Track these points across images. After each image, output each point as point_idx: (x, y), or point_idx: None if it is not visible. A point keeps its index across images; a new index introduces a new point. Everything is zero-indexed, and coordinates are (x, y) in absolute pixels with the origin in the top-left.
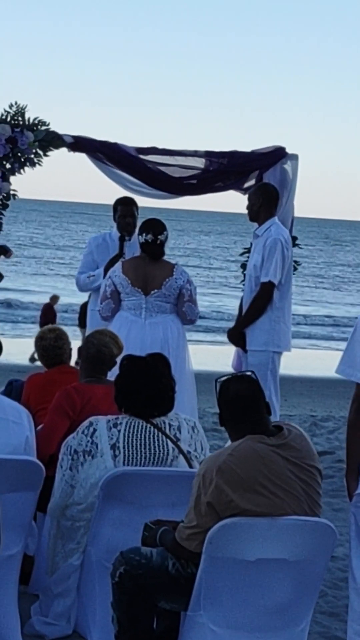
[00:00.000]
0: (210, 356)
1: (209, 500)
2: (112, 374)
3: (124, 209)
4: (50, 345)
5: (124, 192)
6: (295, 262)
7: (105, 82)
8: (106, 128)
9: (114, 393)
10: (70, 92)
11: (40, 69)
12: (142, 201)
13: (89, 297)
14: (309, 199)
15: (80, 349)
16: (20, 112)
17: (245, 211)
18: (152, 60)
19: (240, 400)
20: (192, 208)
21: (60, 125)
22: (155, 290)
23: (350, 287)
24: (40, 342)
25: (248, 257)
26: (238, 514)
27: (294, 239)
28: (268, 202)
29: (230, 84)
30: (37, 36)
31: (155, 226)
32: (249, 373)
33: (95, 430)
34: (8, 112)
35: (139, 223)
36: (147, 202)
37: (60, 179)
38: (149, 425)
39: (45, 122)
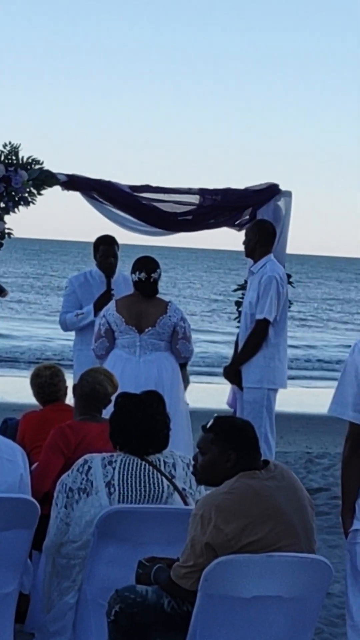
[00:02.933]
0: (206, 393)
1: (207, 541)
2: (107, 412)
3: (106, 249)
4: (46, 383)
5: (108, 230)
6: (289, 301)
7: (98, 121)
8: (99, 167)
9: (109, 430)
10: (64, 130)
11: (34, 107)
12: (133, 239)
13: (75, 337)
14: (303, 235)
15: (74, 387)
16: (14, 151)
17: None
18: (145, 98)
19: (244, 431)
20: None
21: (54, 164)
22: (150, 328)
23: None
24: (36, 379)
25: (243, 294)
26: (237, 552)
27: (288, 276)
28: (264, 238)
29: (223, 122)
30: (30, 76)
31: (148, 264)
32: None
33: (90, 467)
34: (2, 151)
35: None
36: (135, 240)
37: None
38: (144, 462)
39: (39, 161)
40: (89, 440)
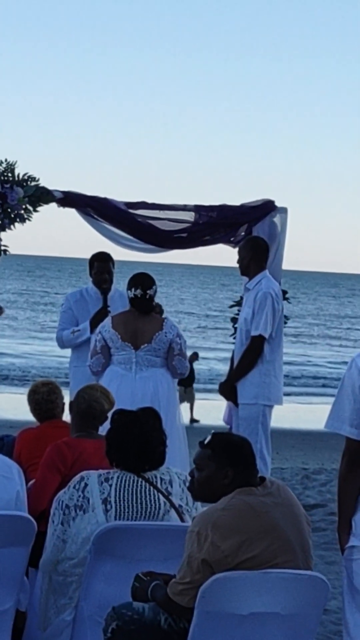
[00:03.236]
0: (202, 410)
1: (204, 558)
2: (104, 429)
3: (101, 265)
4: (43, 399)
5: (103, 247)
6: (285, 317)
7: (95, 138)
8: (96, 184)
9: (106, 447)
10: (60, 147)
11: (31, 124)
12: (129, 255)
13: (71, 354)
14: (298, 251)
15: (71, 404)
16: (10, 168)
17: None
18: (141, 114)
19: (242, 447)
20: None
21: (50, 181)
22: (145, 345)
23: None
24: (33, 395)
25: (239, 310)
26: (233, 568)
27: (284, 292)
28: (258, 255)
29: (218, 138)
30: (26, 93)
31: (144, 281)
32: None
33: (86, 484)
34: None
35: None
36: (130, 256)
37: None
38: (140, 479)
39: (34, 178)
40: (85, 457)
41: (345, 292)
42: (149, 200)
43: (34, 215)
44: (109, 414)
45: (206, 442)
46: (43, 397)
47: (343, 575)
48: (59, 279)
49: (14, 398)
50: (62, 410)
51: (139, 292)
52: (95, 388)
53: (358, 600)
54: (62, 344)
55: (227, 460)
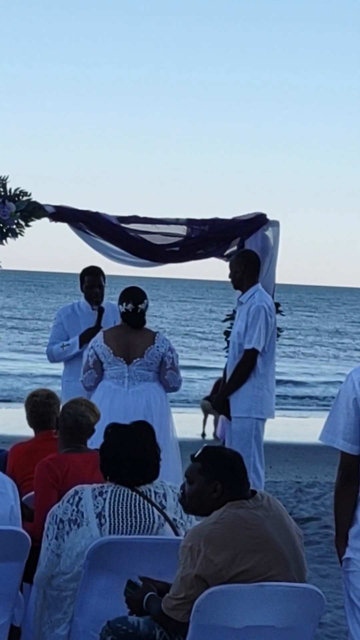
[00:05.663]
0: (195, 424)
1: (197, 573)
2: (92, 442)
3: (91, 279)
4: (41, 402)
5: (94, 261)
6: (278, 329)
7: (86, 152)
8: (87, 198)
9: (100, 461)
10: (51, 162)
11: (22, 138)
12: (122, 270)
13: (64, 368)
14: (291, 265)
15: (57, 420)
16: (2, 183)
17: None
18: (133, 128)
19: (232, 461)
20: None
21: (42, 195)
22: (138, 359)
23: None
24: (31, 398)
25: (231, 324)
26: (228, 582)
27: (277, 305)
28: (250, 268)
29: (210, 152)
30: (18, 108)
31: (135, 295)
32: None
33: (80, 498)
34: None
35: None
36: (125, 271)
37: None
38: (134, 493)
39: (26, 193)
40: (74, 472)
41: (337, 306)
42: (141, 215)
43: (26, 229)
44: (96, 427)
45: (197, 455)
46: (41, 400)
47: (342, 587)
48: (49, 294)
49: (4, 412)
50: (56, 421)
51: (130, 306)
52: (79, 402)
53: (356, 612)
54: (52, 358)
55: (216, 473)
